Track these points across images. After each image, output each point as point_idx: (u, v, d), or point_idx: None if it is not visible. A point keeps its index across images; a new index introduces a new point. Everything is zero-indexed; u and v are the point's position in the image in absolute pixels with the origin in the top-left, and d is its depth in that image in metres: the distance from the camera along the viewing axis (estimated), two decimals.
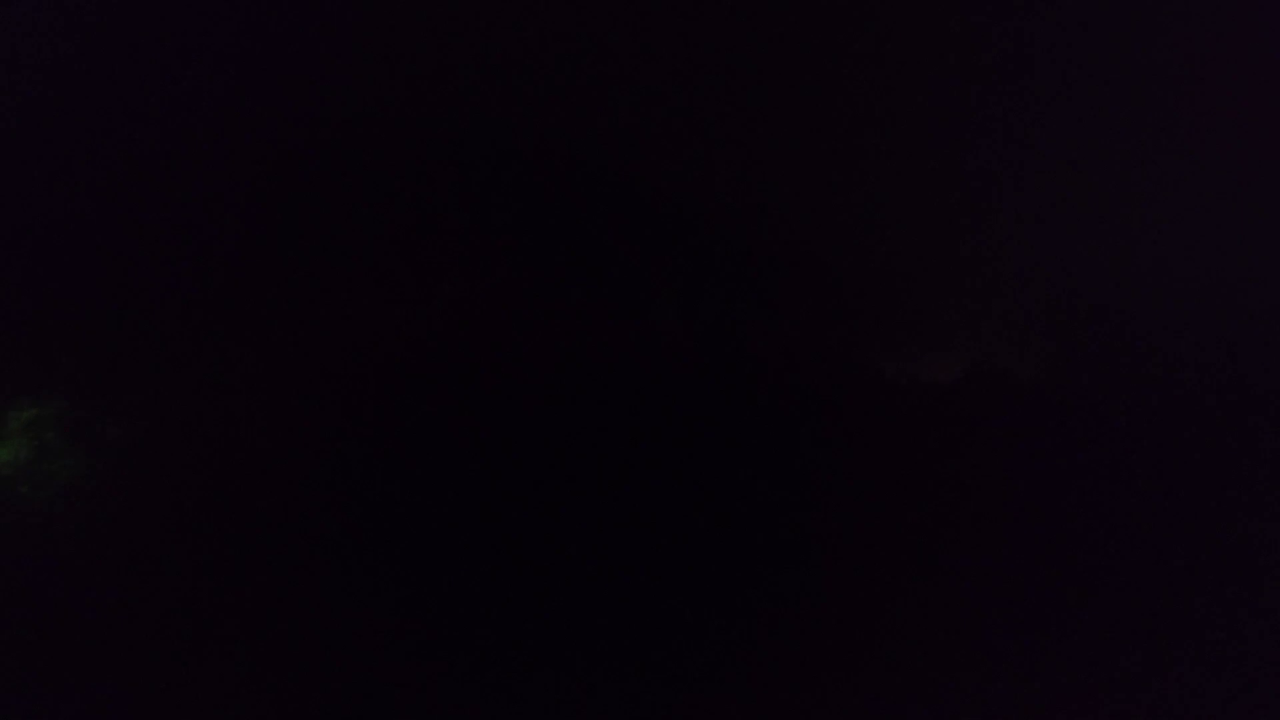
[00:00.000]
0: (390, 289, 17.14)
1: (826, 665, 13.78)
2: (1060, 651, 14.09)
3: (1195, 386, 16.54)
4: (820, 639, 14.01)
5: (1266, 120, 17.66)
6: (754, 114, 18.36)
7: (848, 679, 13.71)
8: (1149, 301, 17.14)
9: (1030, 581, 14.85)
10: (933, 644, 14.02)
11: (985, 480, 15.91)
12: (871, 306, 17.99)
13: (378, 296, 16.99)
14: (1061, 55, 17.88)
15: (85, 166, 16.46)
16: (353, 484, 15.00)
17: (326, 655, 12.84)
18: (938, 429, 16.94)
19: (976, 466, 16.21)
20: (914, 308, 17.98)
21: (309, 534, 14.07)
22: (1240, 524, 15.25)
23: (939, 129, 18.06)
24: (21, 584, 13.18)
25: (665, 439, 15.97)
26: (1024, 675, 13.79)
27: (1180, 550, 14.98)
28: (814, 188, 18.15)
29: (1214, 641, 14.13)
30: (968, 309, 17.81)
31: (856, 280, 18.00)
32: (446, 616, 13.60)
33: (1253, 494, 15.49)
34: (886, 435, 16.80)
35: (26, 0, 15.56)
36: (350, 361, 16.21)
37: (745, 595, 14.39)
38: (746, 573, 14.74)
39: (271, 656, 12.66)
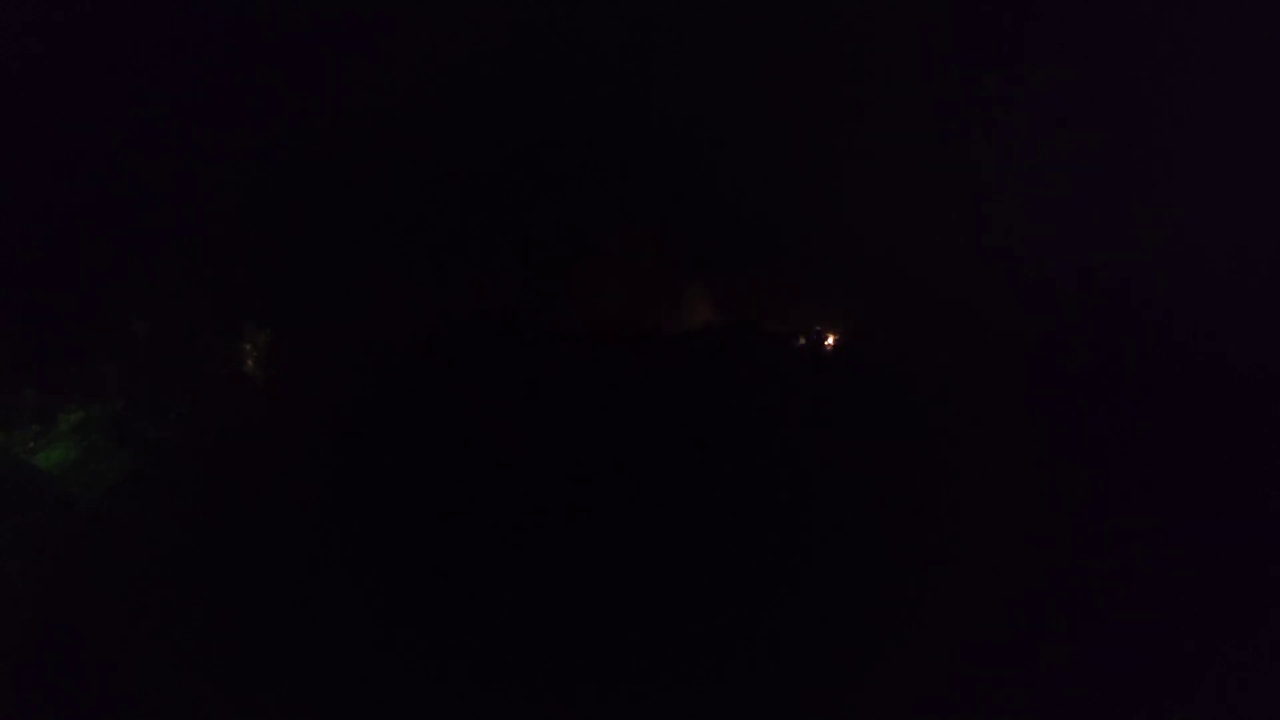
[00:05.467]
0: (411, 290, 17.37)
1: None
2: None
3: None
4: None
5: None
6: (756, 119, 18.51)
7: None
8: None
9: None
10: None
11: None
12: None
13: (400, 298, 17.22)
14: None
15: (121, 182, 16.89)
16: (381, 475, 15.21)
17: (354, 642, 13.07)
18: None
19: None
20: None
21: (337, 526, 14.33)
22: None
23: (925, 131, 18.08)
24: (73, 581, 13.59)
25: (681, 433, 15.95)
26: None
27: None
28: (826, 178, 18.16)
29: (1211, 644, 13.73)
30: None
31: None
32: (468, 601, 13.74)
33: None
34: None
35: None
36: (374, 360, 16.45)
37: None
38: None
39: (306, 644, 12.91)
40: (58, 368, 16.22)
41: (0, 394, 15.83)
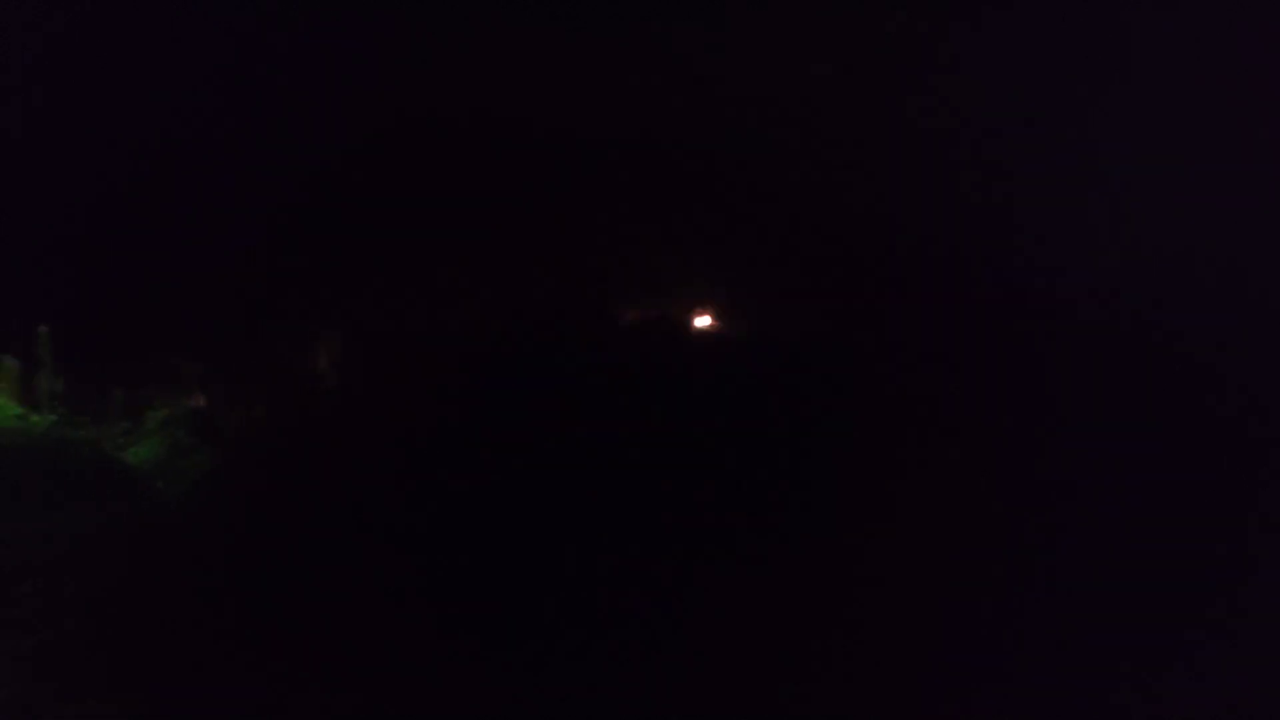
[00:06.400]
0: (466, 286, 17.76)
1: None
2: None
3: None
4: None
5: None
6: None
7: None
8: None
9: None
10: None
11: None
12: None
13: (459, 294, 17.61)
14: None
15: (194, 183, 17.63)
16: (453, 474, 15.39)
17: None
18: None
19: None
20: None
21: (410, 523, 14.52)
22: None
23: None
24: (159, 572, 14.10)
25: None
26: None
27: None
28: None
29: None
30: None
31: None
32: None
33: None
34: None
35: None
36: (443, 359, 16.74)
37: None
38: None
39: (377, 638, 13.07)
40: (144, 367, 17.08)
41: (93, 393, 16.72)
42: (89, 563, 13.97)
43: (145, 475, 15.70)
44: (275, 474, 15.44)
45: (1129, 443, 14.95)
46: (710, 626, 13.44)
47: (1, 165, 17.50)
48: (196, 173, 18.05)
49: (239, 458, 15.95)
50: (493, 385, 16.25)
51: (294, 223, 17.64)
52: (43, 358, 16.78)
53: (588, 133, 18.51)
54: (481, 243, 18.66)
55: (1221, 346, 15.68)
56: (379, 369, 16.93)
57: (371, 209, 18.10)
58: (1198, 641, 12.54)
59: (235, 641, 13.18)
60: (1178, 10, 16.39)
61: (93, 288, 17.39)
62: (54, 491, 14.75)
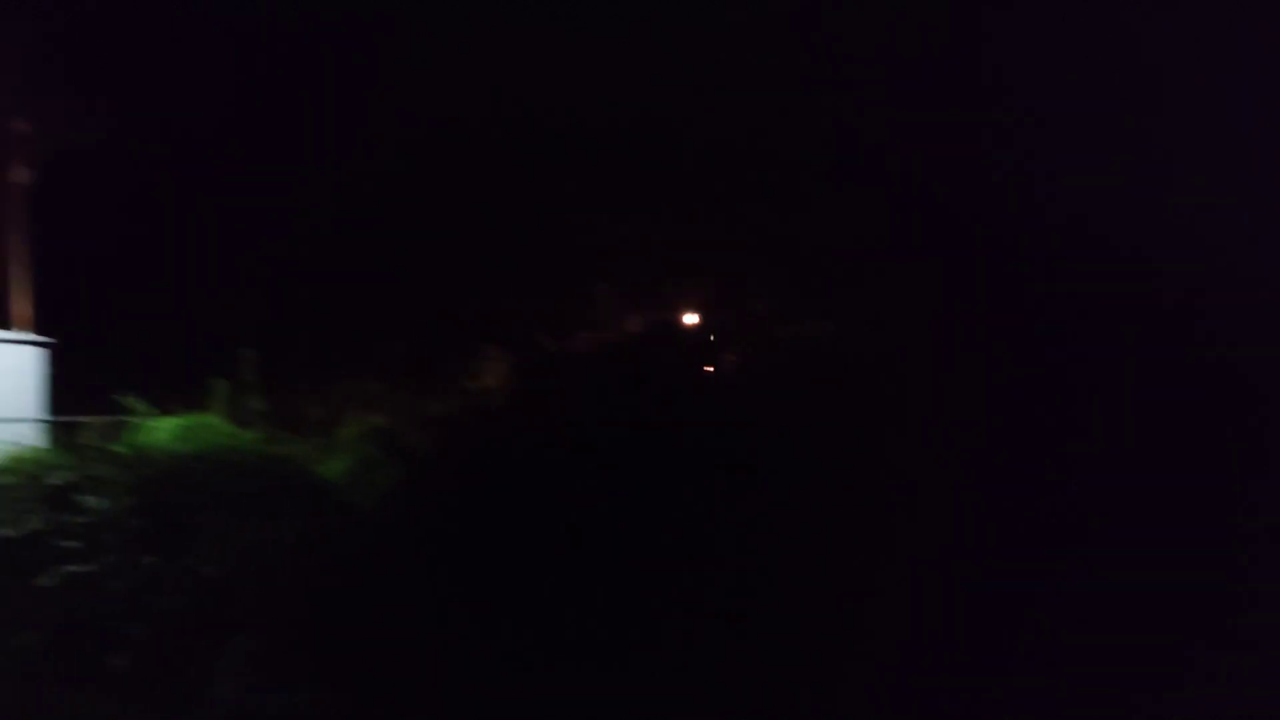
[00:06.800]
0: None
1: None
2: None
3: None
4: None
5: None
6: None
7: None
8: None
9: None
10: None
11: None
12: None
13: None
14: None
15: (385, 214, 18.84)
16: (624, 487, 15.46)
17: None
18: None
19: None
20: None
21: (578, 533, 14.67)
22: None
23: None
24: (355, 578, 14.81)
25: None
26: None
27: None
28: None
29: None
30: None
31: None
32: None
33: None
34: None
35: None
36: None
37: None
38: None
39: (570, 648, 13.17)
40: (336, 387, 18.33)
41: (292, 412, 18.03)
42: (293, 569, 14.90)
43: (339, 487, 16.61)
44: (457, 486, 16.04)
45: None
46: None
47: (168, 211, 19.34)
48: (379, 210, 19.31)
49: (423, 471, 16.65)
50: (667, 400, 16.34)
51: (472, 249, 18.57)
52: (248, 380, 18.20)
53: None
54: (641, 258, 19.01)
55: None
56: (554, 385, 17.38)
57: (543, 232, 18.80)
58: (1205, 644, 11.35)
59: (424, 643, 13.70)
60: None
61: (292, 318, 18.87)
62: (261, 502, 15.84)
